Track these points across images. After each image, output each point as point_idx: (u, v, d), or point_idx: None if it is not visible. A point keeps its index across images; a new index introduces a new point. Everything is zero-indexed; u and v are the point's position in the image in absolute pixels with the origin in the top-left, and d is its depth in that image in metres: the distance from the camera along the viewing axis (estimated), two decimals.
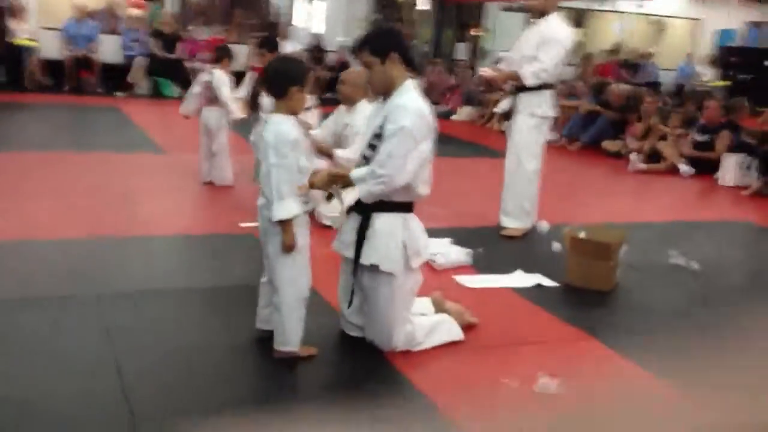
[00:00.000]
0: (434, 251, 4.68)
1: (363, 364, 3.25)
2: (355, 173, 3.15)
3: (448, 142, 10.06)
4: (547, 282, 4.45)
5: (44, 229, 4.67)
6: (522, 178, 5.38)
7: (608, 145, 9.80)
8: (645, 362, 3.44)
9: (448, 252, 4.72)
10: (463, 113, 12.13)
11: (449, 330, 3.49)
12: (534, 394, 3.06)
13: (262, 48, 6.25)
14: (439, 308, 3.64)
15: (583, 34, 16.53)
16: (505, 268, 4.63)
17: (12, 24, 11.16)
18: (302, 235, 3.11)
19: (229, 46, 7.30)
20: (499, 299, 4.20)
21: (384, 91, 3.22)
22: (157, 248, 4.62)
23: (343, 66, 13.27)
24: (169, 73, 11.86)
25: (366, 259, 3.21)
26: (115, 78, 11.71)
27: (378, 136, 3.15)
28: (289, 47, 12.04)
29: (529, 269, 4.61)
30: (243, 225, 4.92)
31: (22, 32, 11.20)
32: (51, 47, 11.51)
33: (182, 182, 6.13)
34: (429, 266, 4.57)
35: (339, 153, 4.71)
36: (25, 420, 2.55)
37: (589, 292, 4.34)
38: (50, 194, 5.53)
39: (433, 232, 5.15)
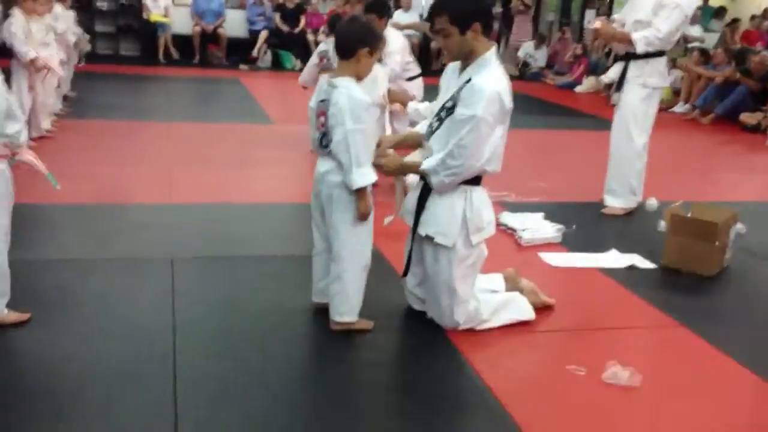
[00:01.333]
0: (522, 226, 4.47)
1: (420, 341, 3.10)
2: (427, 164, 2.98)
3: (566, 114, 9.66)
4: (643, 263, 4.10)
5: (147, 195, 4.84)
6: (630, 153, 4.98)
7: (746, 117, 8.99)
8: (741, 357, 3.09)
9: (536, 227, 4.46)
10: (588, 84, 11.53)
11: (519, 308, 3.28)
12: (602, 384, 2.81)
13: (369, 13, 6.03)
14: (512, 285, 3.43)
15: None
16: (600, 248, 4.31)
17: (147, 1, 11.73)
18: (371, 203, 3.01)
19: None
20: (585, 280, 3.91)
21: (462, 58, 3.01)
22: (253, 215, 4.62)
23: None
24: (291, 45, 12.06)
25: (423, 229, 3.06)
26: (240, 51, 12.06)
27: (449, 109, 2.96)
28: (405, 17, 11.90)
29: (626, 249, 4.28)
30: None
31: (156, 9, 11.75)
32: (181, 22, 12.02)
33: (288, 152, 6.16)
34: (515, 241, 4.36)
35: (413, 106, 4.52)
36: (85, 375, 2.62)
37: (690, 277, 3.96)
38: (158, 161, 5.73)
39: (527, 207, 4.99)
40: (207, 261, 3.80)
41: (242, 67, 11.79)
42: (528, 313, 3.29)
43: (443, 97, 3.04)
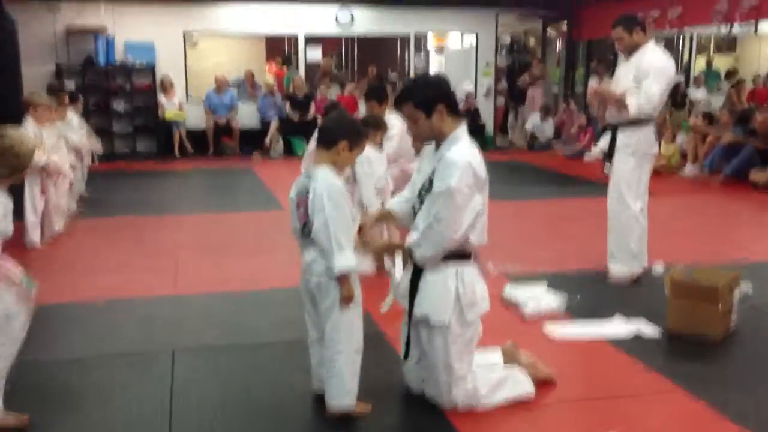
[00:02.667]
0: (525, 298, 4.46)
1: (420, 423, 3.08)
2: (409, 239, 3.05)
3: (574, 183, 9.70)
4: (647, 329, 4.05)
5: (152, 288, 4.91)
6: (628, 220, 4.99)
7: (756, 176, 8.96)
8: (751, 424, 3.01)
9: (539, 299, 4.45)
10: (596, 152, 11.60)
11: (518, 384, 3.24)
12: None
13: (369, 100, 6.17)
14: (511, 360, 3.40)
15: (734, 59, 15.49)
16: (604, 315, 4.27)
17: (162, 99, 12.16)
18: (356, 286, 3.04)
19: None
20: (588, 349, 3.87)
21: (434, 139, 3.10)
22: (255, 302, 4.67)
23: (472, 112, 13.24)
24: (302, 132, 12.36)
25: (417, 310, 3.08)
26: (252, 141, 12.38)
27: (426, 190, 3.04)
28: None
29: (631, 316, 4.23)
30: None
31: (170, 106, 12.16)
32: (195, 116, 12.42)
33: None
34: (518, 315, 4.34)
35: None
36: None
37: (696, 341, 3.90)
38: (165, 254, 5.83)
39: (531, 277, 4.97)
40: (207, 351, 3.83)
41: (254, 156, 12.05)
42: (527, 387, 3.25)
43: (420, 178, 3.12)
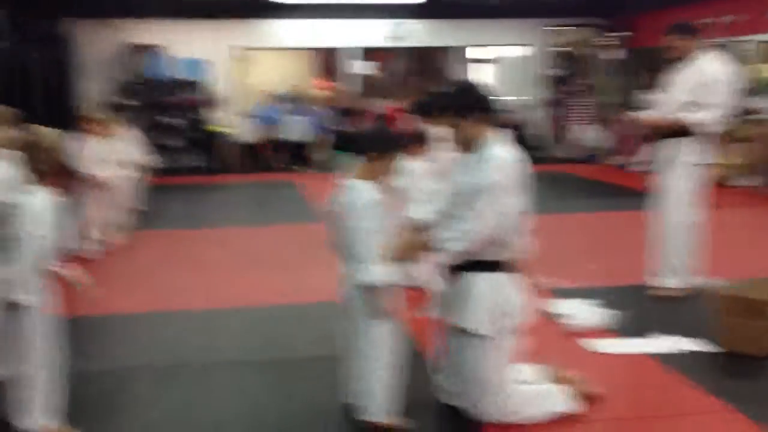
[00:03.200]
0: (570, 312, 4.35)
1: None
2: (436, 237, 2.99)
3: (625, 195, 9.46)
4: (696, 347, 3.89)
5: (192, 301, 4.95)
6: (677, 232, 4.82)
7: None
8: None
9: (585, 314, 4.32)
10: (648, 164, 11.32)
11: (556, 400, 3.14)
12: None
13: (415, 113, 6.13)
14: (552, 374, 3.29)
15: None
16: (652, 332, 4.13)
17: (212, 114, 12.37)
18: (392, 299, 3.00)
19: None
20: (635, 365, 3.74)
21: (468, 148, 3.05)
22: (293, 316, 4.66)
23: (523, 124, 13.09)
24: (349, 145, 12.41)
25: (451, 320, 3.02)
26: (298, 154, 12.48)
27: (459, 194, 2.98)
28: None
29: (680, 332, 4.08)
30: None
31: (219, 120, 12.37)
32: (243, 131, 12.59)
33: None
34: (562, 329, 4.22)
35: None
36: None
37: (745, 359, 3.73)
38: (208, 268, 5.88)
39: (577, 292, 4.85)
40: (243, 366, 3.83)
41: (300, 169, 12.13)
42: (565, 404, 3.14)
43: (454, 186, 3.06)
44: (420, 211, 4.89)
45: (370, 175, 3.02)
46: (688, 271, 4.86)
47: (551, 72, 14.35)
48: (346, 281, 3.02)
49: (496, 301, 2.96)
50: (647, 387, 3.51)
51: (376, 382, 2.99)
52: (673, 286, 4.85)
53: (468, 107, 2.98)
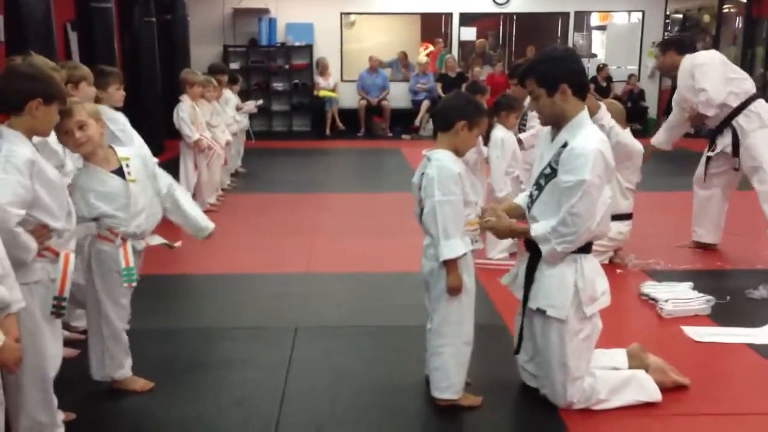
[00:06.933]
0: (665, 295, 4.15)
1: (531, 421, 2.96)
2: (537, 231, 2.88)
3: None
4: None
5: (286, 265, 5.07)
6: None
7: None
8: None
9: (682, 298, 4.12)
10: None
11: (642, 388, 3.01)
12: None
13: (512, 78, 6.00)
14: (637, 362, 3.16)
15: None
16: (754, 321, 3.89)
17: (318, 79, 12.53)
18: (469, 276, 2.95)
19: None
20: (731, 357, 3.54)
21: (554, 122, 2.93)
22: (384, 284, 4.68)
23: (635, 95, 12.53)
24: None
25: (533, 303, 2.94)
26: (403, 121, 12.47)
27: (548, 176, 2.88)
28: None
29: None
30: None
31: (325, 85, 12.51)
32: (348, 96, 12.69)
33: None
34: (656, 313, 4.05)
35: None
36: None
37: None
38: (305, 232, 5.98)
39: (674, 275, 4.62)
40: (329, 330, 3.88)
41: (404, 137, 12.14)
42: (652, 393, 3.01)
43: (539, 165, 2.95)
44: (503, 187, 4.83)
45: (453, 146, 2.95)
46: None
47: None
48: (426, 253, 2.99)
49: (581, 285, 2.85)
50: (744, 381, 3.31)
51: (448, 361, 2.95)
52: None
53: (551, 78, 2.82)
